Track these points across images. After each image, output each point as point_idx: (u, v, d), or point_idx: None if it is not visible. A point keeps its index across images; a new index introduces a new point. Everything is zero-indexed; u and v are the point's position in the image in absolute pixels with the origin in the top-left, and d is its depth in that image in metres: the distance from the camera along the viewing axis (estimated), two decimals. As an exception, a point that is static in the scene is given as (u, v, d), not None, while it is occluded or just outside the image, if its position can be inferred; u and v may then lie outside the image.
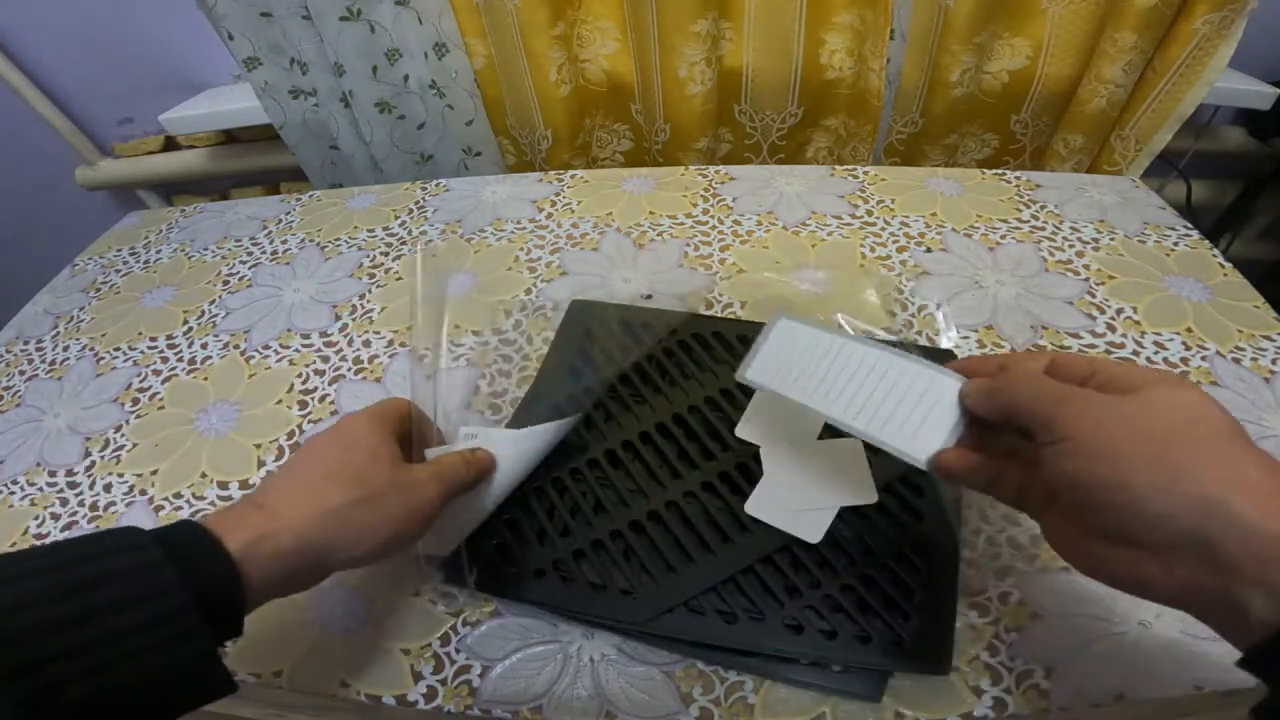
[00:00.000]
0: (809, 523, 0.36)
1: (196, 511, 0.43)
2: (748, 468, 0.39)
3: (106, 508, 0.44)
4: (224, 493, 0.44)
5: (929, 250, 0.56)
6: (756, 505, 0.38)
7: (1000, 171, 0.65)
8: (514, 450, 0.38)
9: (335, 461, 0.31)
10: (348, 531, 0.29)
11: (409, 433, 0.37)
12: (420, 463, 0.35)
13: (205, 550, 0.25)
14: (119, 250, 0.68)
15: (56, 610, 0.22)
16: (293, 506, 0.28)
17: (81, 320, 0.60)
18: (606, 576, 0.36)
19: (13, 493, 0.46)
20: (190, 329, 0.57)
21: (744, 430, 0.41)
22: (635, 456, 0.41)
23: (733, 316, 0.51)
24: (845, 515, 0.37)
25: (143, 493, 0.44)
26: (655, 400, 0.44)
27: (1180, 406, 0.24)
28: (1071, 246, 0.56)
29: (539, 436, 0.39)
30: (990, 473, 0.29)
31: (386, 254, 0.62)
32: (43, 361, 0.56)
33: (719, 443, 0.41)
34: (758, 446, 0.40)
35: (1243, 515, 0.21)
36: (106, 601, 0.22)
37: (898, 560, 0.35)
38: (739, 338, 0.46)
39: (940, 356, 0.46)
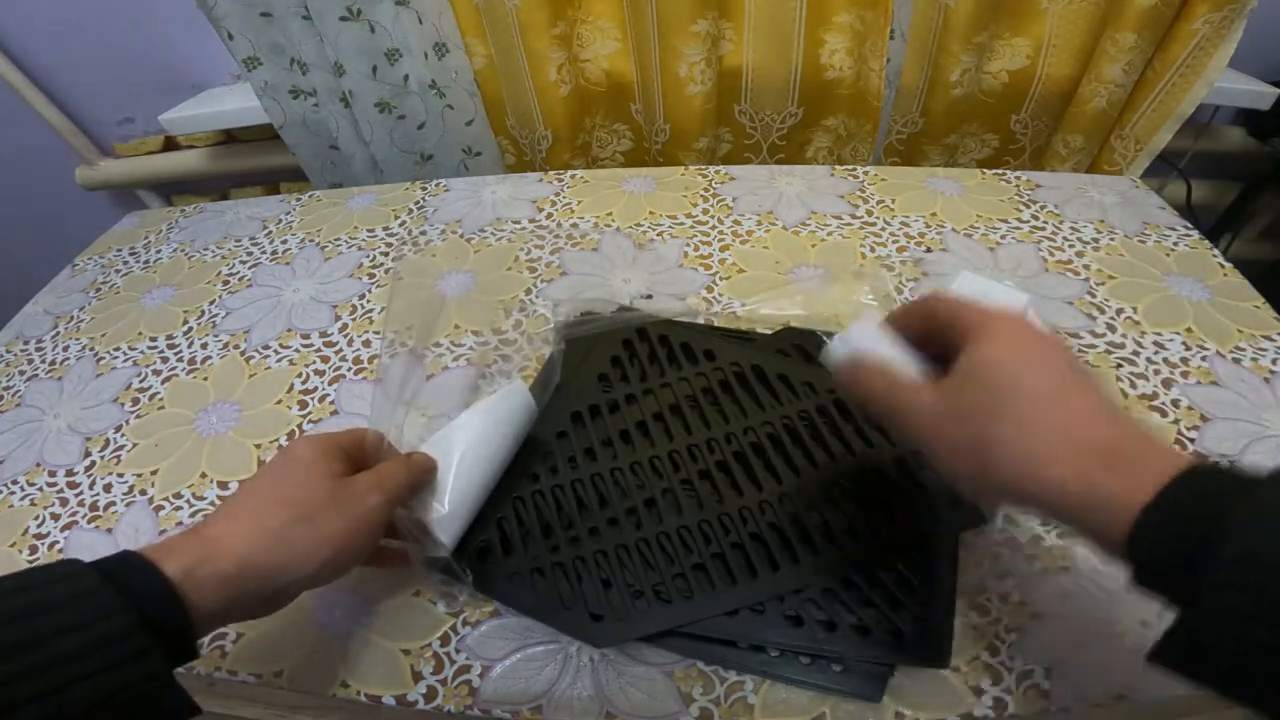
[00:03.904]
0: None
1: (196, 512, 0.43)
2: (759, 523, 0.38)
3: (106, 508, 0.44)
4: (224, 493, 0.44)
5: (929, 250, 0.56)
6: None
7: (1000, 171, 0.65)
8: (473, 433, 0.38)
9: (272, 484, 0.31)
10: (290, 551, 0.29)
11: (363, 459, 0.36)
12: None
13: (141, 574, 0.25)
14: (119, 250, 0.68)
15: (9, 634, 0.21)
16: (230, 532, 0.28)
17: (81, 320, 0.60)
18: (610, 573, 0.36)
19: (13, 493, 0.46)
20: (190, 329, 0.57)
21: None
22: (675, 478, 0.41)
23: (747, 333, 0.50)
24: (844, 508, 0.37)
25: (143, 493, 0.44)
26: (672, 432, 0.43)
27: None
28: (1071, 246, 0.56)
29: (491, 409, 0.39)
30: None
31: (386, 254, 0.62)
32: (43, 361, 0.56)
33: (727, 474, 0.40)
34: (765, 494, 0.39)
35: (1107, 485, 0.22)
36: (51, 627, 0.22)
37: (897, 554, 0.35)
38: (779, 375, 0.45)
39: None
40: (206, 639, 0.30)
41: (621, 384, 0.46)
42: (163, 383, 0.52)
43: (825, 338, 0.46)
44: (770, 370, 0.45)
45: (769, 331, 0.49)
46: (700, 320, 0.51)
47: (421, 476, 0.36)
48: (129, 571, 0.25)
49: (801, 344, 0.47)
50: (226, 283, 0.61)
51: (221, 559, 0.27)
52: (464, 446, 0.37)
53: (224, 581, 0.26)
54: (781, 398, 0.44)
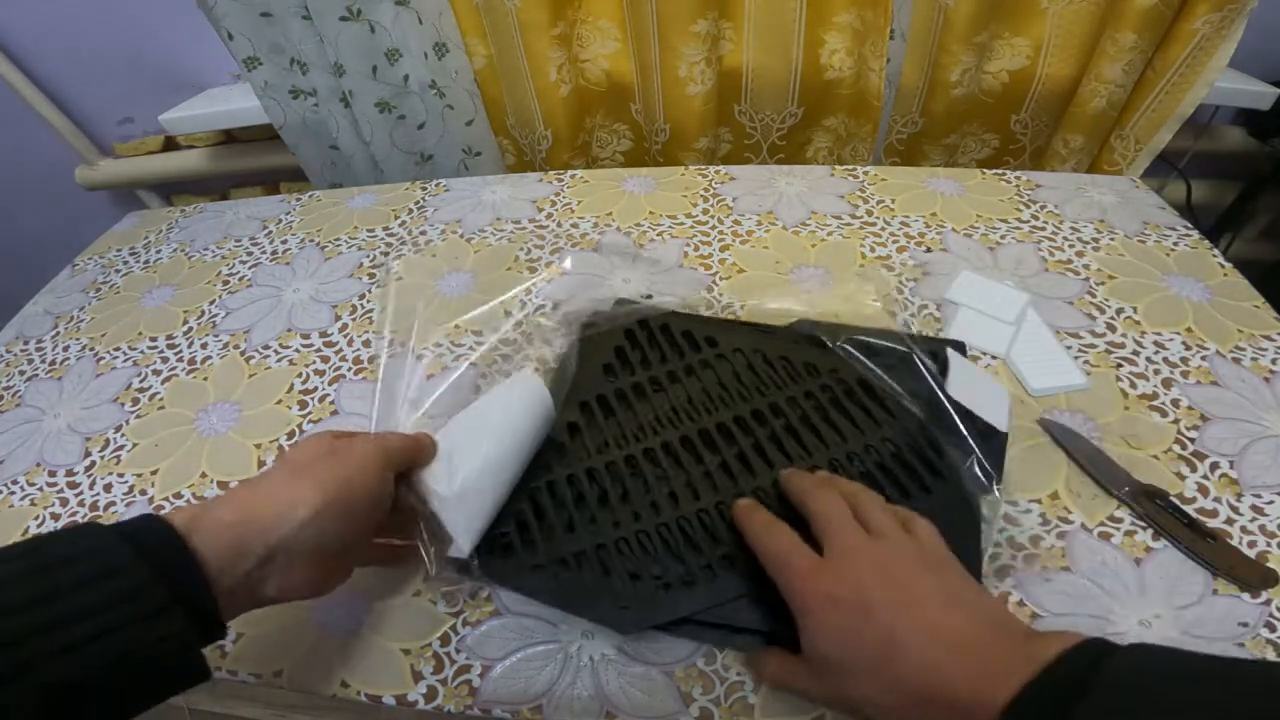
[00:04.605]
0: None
1: (196, 511, 0.43)
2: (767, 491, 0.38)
3: (106, 508, 0.44)
4: (224, 493, 0.44)
5: (929, 250, 0.56)
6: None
7: (1000, 171, 0.65)
8: (489, 431, 0.37)
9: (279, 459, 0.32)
10: (283, 499, 0.29)
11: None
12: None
13: (149, 522, 0.26)
14: (119, 250, 0.68)
15: (24, 590, 0.22)
16: (229, 493, 0.30)
17: (81, 320, 0.60)
18: (636, 560, 0.36)
19: (13, 493, 0.46)
20: (190, 329, 0.57)
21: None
22: (669, 460, 0.40)
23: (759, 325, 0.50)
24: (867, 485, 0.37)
25: (143, 493, 0.45)
26: (682, 412, 0.43)
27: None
28: (1071, 246, 0.56)
29: (507, 406, 0.39)
30: None
31: (386, 254, 0.62)
32: (43, 361, 0.56)
33: (744, 464, 0.40)
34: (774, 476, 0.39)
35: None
36: (72, 580, 0.22)
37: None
38: (781, 358, 0.45)
39: (950, 346, 0.46)
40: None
41: (626, 374, 0.46)
42: (163, 383, 0.52)
43: (827, 338, 0.46)
44: (772, 353, 0.45)
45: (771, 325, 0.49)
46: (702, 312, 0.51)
47: (420, 448, 0.35)
48: (141, 524, 0.26)
49: (812, 333, 0.47)
50: (226, 283, 0.61)
51: (220, 508, 0.28)
52: (481, 444, 0.37)
53: (224, 527, 0.27)
54: (785, 380, 0.44)
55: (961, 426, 0.40)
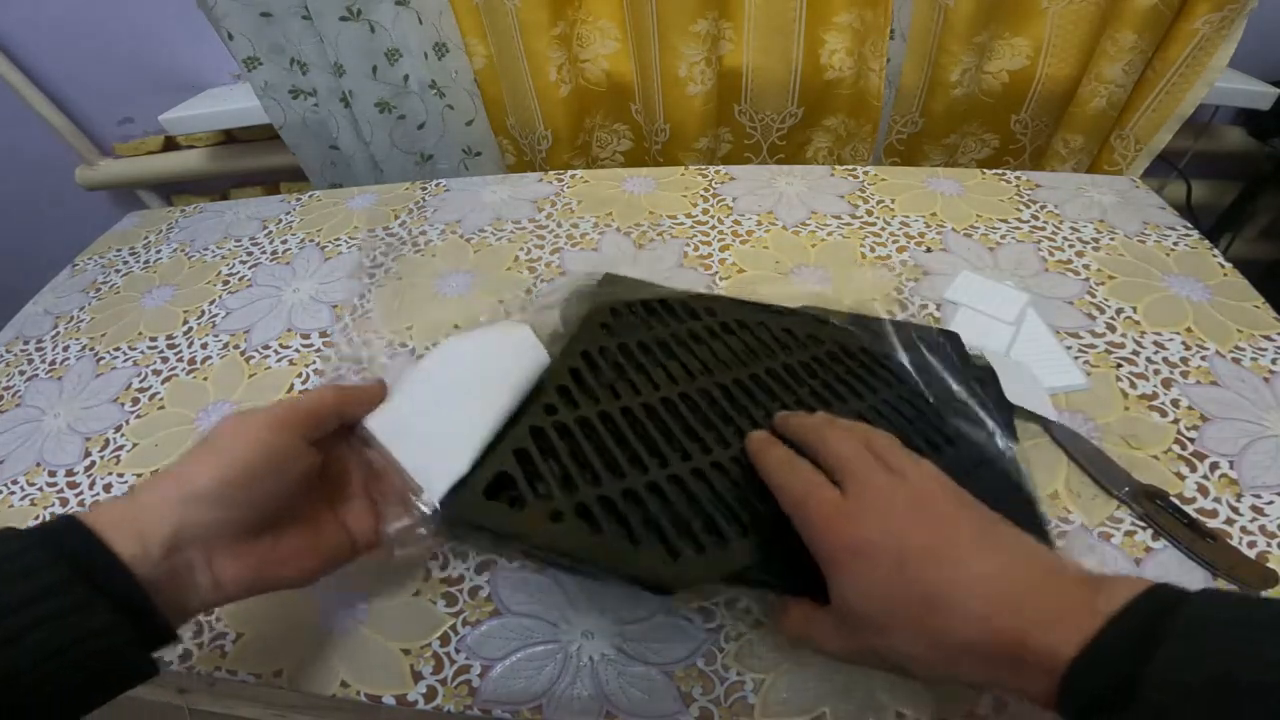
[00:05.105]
0: None
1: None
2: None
3: (106, 508, 0.44)
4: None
5: (929, 250, 0.56)
6: None
7: (1000, 171, 0.65)
8: (459, 353, 0.34)
9: None
10: (168, 485, 0.27)
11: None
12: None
13: (70, 527, 0.25)
14: (119, 250, 0.68)
15: None
16: (137, 485, 0.29)
17: (81, 320, 0.60)
18: (676, 507, 0.32)
19: (13, 493, 0.46)
20: (190, 329, 0.57)
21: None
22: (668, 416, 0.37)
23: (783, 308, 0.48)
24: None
25: (143, 493, 0.44)
26: (687, 371, 0.40)
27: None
28: (1071, 246, 0.56)
29: (479, 335, 0.35)
30: None
31: (386, 254, 0.62)
32: (43, 361, 0.56)
33: (754, 424, 0.36)
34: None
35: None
36: None
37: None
38: (783, 330, 0.44)
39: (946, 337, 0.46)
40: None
41: (628, 331, 0.42)
42: (163, 383, 0.52)
43: (836, 319, 0.46)
44: (773, 325, 0.44)
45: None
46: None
47: (368, 396, 0.32)
48: (56, 525, 0.25)
49: (813, 314, 0.46)
50: (226, 283, 0.61)
51: (121, 501, 0.27)
52: (445, 378, 0.32)
53: (127, 521, 0.26)
54: (789, 347, 0.43)
55: (976, 404, 0.40)
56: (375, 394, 0.34)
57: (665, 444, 0.35)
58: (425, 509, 0.31)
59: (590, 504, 0.32)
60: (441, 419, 0.32)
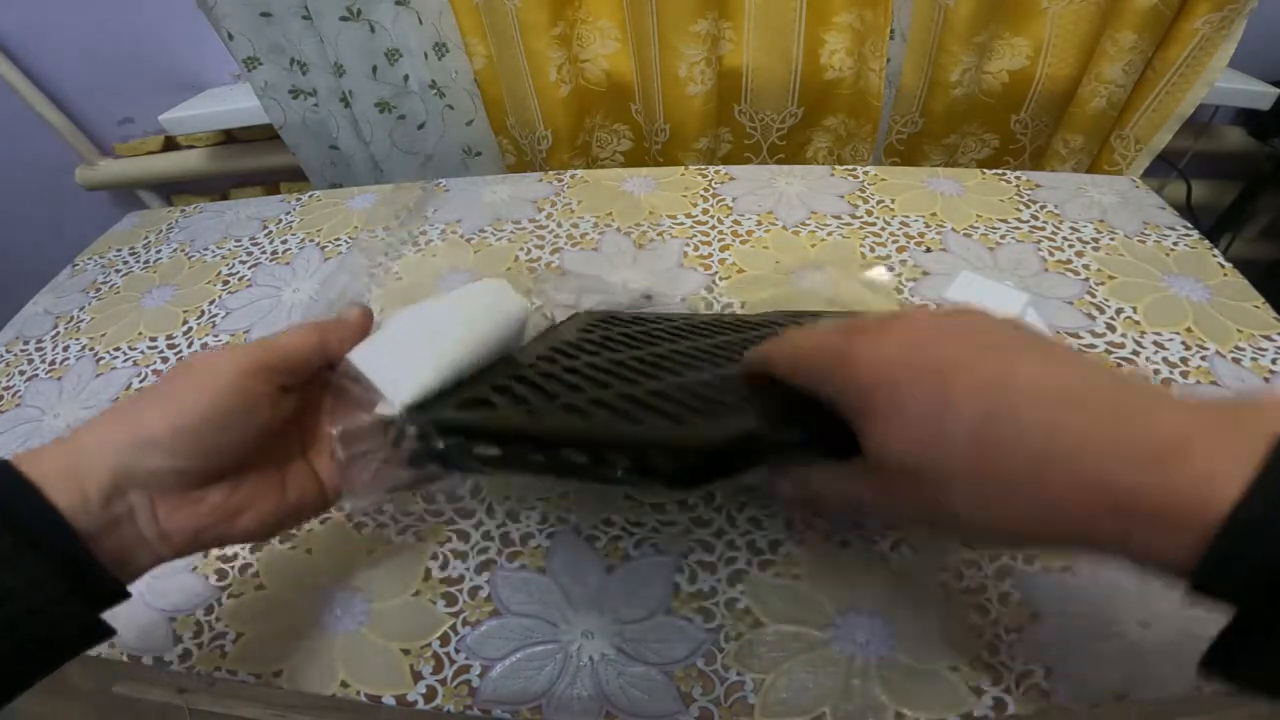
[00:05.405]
0: None
1: (196, 511, 0.43)
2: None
3: (106, 508, 0.44)
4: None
5: (929, 250, 0.56)
6: None
7: (1000, 171, 0.65)
8: (441, 302, 0.32)
9: None
10: (114, 424, 0.25)
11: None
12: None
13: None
14: (119, 250, 0.68)
15: None
16: (75, 429, 0.26)
17: (81, 320, 0.60)
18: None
19: (13, 493, 0.46)
20: (190, 329, 0.57)
21: None
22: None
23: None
24: None
25: (143, 493, 0.44)
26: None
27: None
28: (1071, 246, 0.56)
29: (460, 291, 0.33)
30: None
31: (386, 254, 0.62)
32: (43, 361, 0.56)
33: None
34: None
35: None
36: None
37: None
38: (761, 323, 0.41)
39: None
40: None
41: (603, 326, 0.40)
42: (163, 383, 0.52)
43: (814, 317, 0.43)
44: (750, 319, 0.42)
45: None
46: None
47: (349, 329, 0.30)
48: None
49: (789, 322, 0.43)
50: (226, 283, 0.61)
51: (56, 445, 0.25)
52: (423, 312, 0.30)
53: (64, 465, 0.24)
54: (766, 331, 0.39)
55: None
56: (359, 324, 0.31)
57: (651, 367, 0.31)
58: (386, 412, 0.27)
59: (576, 404, 0.27)
60: (418, 344, 0.29)
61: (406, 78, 0.78)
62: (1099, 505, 0.16)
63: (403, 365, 0.28)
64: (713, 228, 0.61)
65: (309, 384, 0.30)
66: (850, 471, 0.23)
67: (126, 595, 0.24)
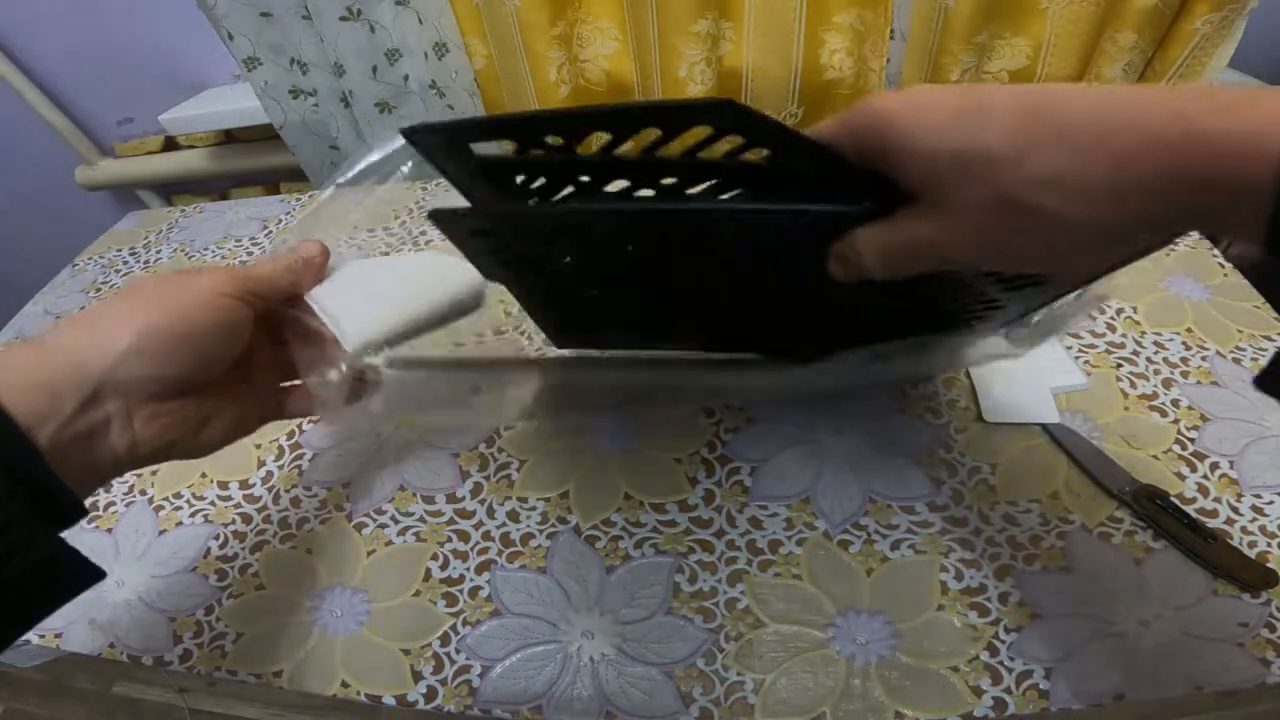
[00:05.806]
0: None
1: (196, 511, 0.43)
2: None
3: (106, 508, 0.44)
4: (224, 492, 0.44)
5: (929, 250, 0.56)
6: None
7: (1000, 171, 0.65)
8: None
9: None
10: (95, 329, 0.25)
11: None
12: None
13: None
14: (119, 250, 0.68)
15: None
16: (42, 334, 0.26)
17: (81, 320, 0.60)
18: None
19: (13, 493, 0.46)
20: (190, 329, 0.57)
21: None
22: None
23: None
24: None
25: (143, 493, 0.44)
26: None
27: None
28: (1071, 246, 0.55)
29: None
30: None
31: (386, 254, 0.62)
32: (43, 361, 0.56)
33: None
34: None
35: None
36: None
37: None
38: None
39: None
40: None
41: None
42: (163, 383, 0.52)
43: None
44: None
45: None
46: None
47: (301, 266, 0.32)
48: None
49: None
50: (226, 283, 0.61)
51: (23, 349, 0.24)
52: (382, 263, 0.33)
53: (32, 370, 0.23)
54: None
55: None
56: (320, 264, 0.33)
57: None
58: (345, 345, 0.30)
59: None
60: (375, 292, 0.32)
61: (406, 78, 0.78)
62: (1173, 145, 0.16)
63: (360, 309, 0.31)
64: (713, 228, 0.61)
65: (274, 314, 0.32)
66: (909, 222, 0.23)
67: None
